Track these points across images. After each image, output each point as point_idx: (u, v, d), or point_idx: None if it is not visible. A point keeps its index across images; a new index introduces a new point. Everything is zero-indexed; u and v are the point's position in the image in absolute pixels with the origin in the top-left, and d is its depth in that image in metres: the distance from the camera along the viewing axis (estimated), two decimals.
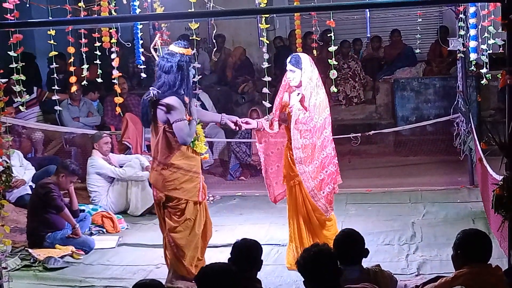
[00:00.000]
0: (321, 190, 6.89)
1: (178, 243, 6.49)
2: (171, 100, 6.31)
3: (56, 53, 7.24)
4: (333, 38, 6.66)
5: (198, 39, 7.19)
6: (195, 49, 6.64)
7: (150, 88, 6.44)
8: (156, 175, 6.52)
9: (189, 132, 6.38)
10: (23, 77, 6.18)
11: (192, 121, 6.46)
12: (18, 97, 6.19)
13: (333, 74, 6.68)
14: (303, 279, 4.39)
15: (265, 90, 7.32)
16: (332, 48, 6.61)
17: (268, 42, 7.26)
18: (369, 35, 6.98)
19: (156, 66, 6.59)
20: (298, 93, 6.88)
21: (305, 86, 6.77)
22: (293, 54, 7.00)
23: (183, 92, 6.42)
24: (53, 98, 7.44)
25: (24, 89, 6.30)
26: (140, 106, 6.57)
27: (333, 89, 6.80)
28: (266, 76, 7.05)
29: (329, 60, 6.60)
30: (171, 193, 6.46)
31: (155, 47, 8.07)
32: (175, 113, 6.27)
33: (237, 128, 7.14)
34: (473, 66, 7.67)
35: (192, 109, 6.55)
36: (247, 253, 5.23)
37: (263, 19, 7.02)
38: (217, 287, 4.22)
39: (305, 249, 4.51)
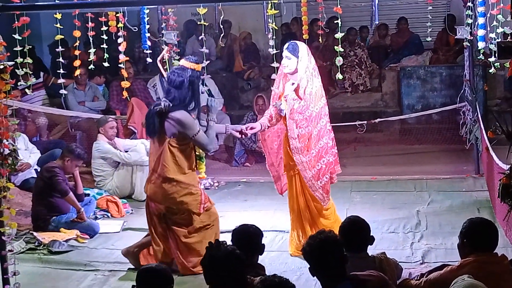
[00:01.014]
0: (319, 180, 6.88)
1: (194, 247, 6.57)
2: (182, 115, 6.41)
3: (62, 36, 7.22)
4: (339, 25, 6.62)
5: (206, 24, 7.15)
6: (202, 34, 6.62)
7: (162, 99, 6.52)
8: (154, 188, 6.58)
9: (209, 140, 6.56)
10: (29, 60, 6.16)
11: (209, 127, 6.61)
12: (22, 81, 6.17)
13: (339, 61, 6.65)
14: (308, 266, 4.38)
15: (274, 76, 7.29)
16: (339, 35, 6.57)
17: (276, 28, 7.23)
18: (377, 22, 6.94)
19: (166, 81, 6.62)
20: (293, 83, 6.87)
21: (301, 74, 6.78)
22: (291, 41, 6.99)
23: (192, 108, 6.52)
24: (59, 82, 7.42)
25: (31, 72, 6.28)
26: (146, 115, 6.64)
27: (339, 76, 6.76)
28: (275, 61, 7.02)
29: (335, 47, 6.57)
30: (172, 206, 6.54)
31: (163, 59, 8.10)
32: (191, 128, 6.41)
33: (243, 136, 7.19)
34: (481, 55, 7.63)
35: (202, 122, 6.67)
36: (247, 239, 5.23)
37: (270, 4, 6.98)
38: (223, 270, 4.22)
39: (311, 236, 4.50)
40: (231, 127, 7.05)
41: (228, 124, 11.75)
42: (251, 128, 7.05)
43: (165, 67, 9.44)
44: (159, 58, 8.31)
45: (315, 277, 4.37)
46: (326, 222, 6.98)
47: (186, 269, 6.58)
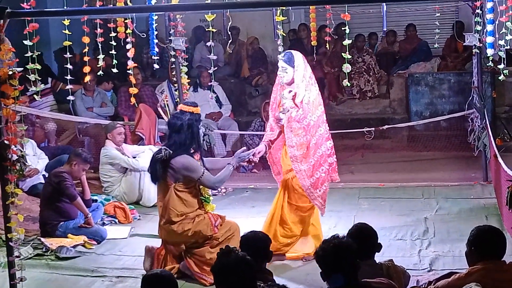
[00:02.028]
0: (317, 188, 6.87)
1: None
2: (185, 159, 6.53)
3: (70, 43, 7.23)
4: (347, 31, 6.61)
5: (214, 30, 7.17)
6: (210, 40, 6.65)
7: (162, 147, 6.65)
8: (166, 233, 6.67)
9: (217, 179, 6.67)
10: (38, 66, 6.18)
11: (226, 169, 6.76)
12: (33, 86, 6.19)
13: (347, 68, 6.64)
14: (320, 271, 4.37)
15: None
16: (347, 42, 6.57)
17: (284, 34, 7.23)
18: (385, 29, 6.95)
19: (167, 126, 6.78)
20: (290, 90, 6.88)
21: (297, 83, 6.80)
22: (286, 51, 7.00)
23: (193, 150, 6.62)
24: (67, 88, 7.44)
25: (39, 78, 6.30)
26: (150, 162, 6.77)
27: (346, 83, 6.76)
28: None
29: (343, 54, 6.57)
30: (190, 240, 6.59)
31: (162, 104, 8.17)
32: (195, 171, 6.52)
33: (253, 163, 7.15)
34: (490, 62, 7.62)
35: (205, 162, 6.80)
36: (256, 245, 5.25)
37: (279, 11, 6.99)
38: (234, 277, 4.21)
39: (325, 240, 4.49)
40: (237, 161, 7.00)
41: (235, 127, 11.82)
42: (259, 153, 7.08)
43: (173, 73, 9.49)
44: (158, 104, 8.43)
45: (325, 282, 4.36)
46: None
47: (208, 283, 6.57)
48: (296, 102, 6.77)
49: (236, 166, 7.03)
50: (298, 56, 6.87)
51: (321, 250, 4.37)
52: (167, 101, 9.47)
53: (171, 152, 6.51)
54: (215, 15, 6.88)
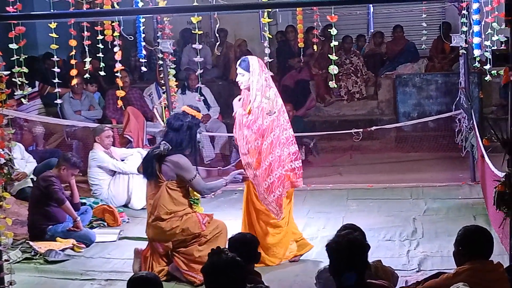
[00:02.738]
0: (272, 193, 6.83)
1: None
2: (180, 158, 6.57)
3: (57, 46, 7.22)
4: (334, 33, 6.62)
5: (200, 33, 7.19)
6: (197, 42, 6.68)
7: (162, 142, 6.65)
8: (154, 230, 6.67)
9: (208, 187, 6.75)
10: (25, 70, 6.17)
11: (219, 182, 6.87)
12: (19, 90, 6.18)
13: (333, 69, 6.65)
14: (323, 267, 4.36)
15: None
16: (333, 43, 6.59)
17: (270, 36, 7.25)
18: (372, 30, 6.97)
19: (166, 124, 6.76)
20: (240, 98, 6.98)
21: (252, 88, 6.80)
22: (244, 57, 7.04)
23: (188, 153, 6.66)
24: (55, 91, 7.43)
25: (27, 82, 6.30)
26: (144, 158, 6.82)
27: (333, 84, 6.77)
28: (268, 70, 7.03)
29: (330, 55, 6.58)
30: (178, 238, 6.59)
31: (158, 107, 8.20)
32: (188, 171, 6.57)
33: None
34: (476, 63, 7.65)
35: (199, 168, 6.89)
36: (244, 247, 5.26)
37: (266, 13, 7.01)
38: (224, 278, 4.21)
39: (339, 234, 4.50)
40: (231, 180, 6.97)
41: (224, 129, 11.82)
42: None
43: (161, 75, 9.49)
44: (154, 107, 8.42)
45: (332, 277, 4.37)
46: (271, 239, 6.99)
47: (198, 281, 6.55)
48: (245, 108, 6.81)
49: (228, 183, 7.03)
50: (253, 61, 6.87)
51: (335, 243, 4.37)
52: (165, 103, 9.46)
53: (170, 147, 6.54)
54: (200, 17, 6.92)
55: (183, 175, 6.55)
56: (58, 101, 7.57)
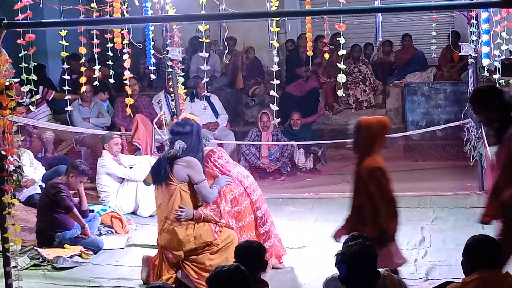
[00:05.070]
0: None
1: None
2: (192, 159, 6.58)
3: (67, 54, 7.25)
4: (342, 42, 6.63)
5: (208, 41, 7.21)
6: (204, 51, 6.69)
7: (177, 141, 6.60)
8: (168, 236, 6.61)
9: (211, 192, 6.69)
10: (34, 77, 6.19)
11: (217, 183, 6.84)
12: (24, 97, 6.20)
13: (342, 78, 6.66)
14: (331, 276, 4.38)
15: (273, 93, 7.31)
16: (341, 52, 6.60)
17: (278, 45, 7.26)
18: (380, 39, 6.98)
19: (170, 132, 6.81)
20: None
21: None
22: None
23: (199, 158, 6.68)
24: (65, 98, 7.45)
25: (35, 89, 6.32)
26: (157, 161, 6.78)
27: (341, 93, 6.77)
28: (275, 79, 7.04)
29: (338, 64, 6.59)
30: (191, 247, 6.56)
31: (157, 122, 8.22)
32: (199, 173, 6.58)
33: None
34: (485, 72, 7.65)
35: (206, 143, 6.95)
36: (250, 255, 5.24)
37: (274, 22, 7.03)
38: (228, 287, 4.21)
39: (348, 244, 4.52)
40: (221, 184, 7.07)
41: (232, 137, 11.84)
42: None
43: (170, 83, 9.52)
44: (155, 121, 8.46)
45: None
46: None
47: None
48: None
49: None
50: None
51: (343, 252, 4.41)
52: (165, 117, 9.50)
53: (186, 147, 6.55)
54: (208, 25, 6.93)
55: (193, 176, 6.53)
56: (69, 108, 7.60)
